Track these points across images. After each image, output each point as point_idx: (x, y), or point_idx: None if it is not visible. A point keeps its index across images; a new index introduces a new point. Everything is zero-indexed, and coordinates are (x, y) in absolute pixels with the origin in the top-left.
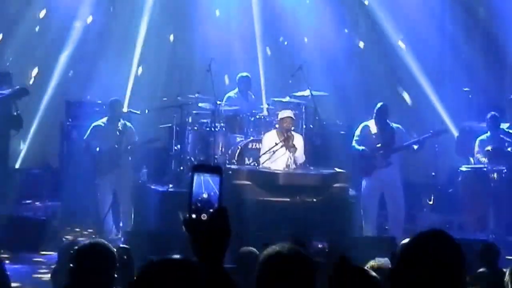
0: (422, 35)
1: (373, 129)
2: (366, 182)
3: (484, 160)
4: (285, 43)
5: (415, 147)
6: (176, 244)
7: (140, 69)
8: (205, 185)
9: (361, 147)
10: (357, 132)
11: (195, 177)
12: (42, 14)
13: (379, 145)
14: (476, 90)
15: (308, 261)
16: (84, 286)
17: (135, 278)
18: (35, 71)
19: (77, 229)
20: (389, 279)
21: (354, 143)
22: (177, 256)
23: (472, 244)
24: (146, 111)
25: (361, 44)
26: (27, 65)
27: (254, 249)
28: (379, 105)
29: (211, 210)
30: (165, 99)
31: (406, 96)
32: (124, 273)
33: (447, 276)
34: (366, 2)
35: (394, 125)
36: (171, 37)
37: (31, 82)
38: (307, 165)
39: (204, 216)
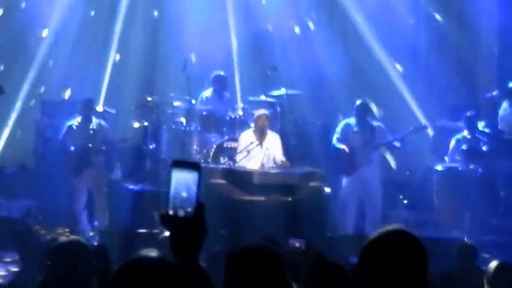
0: (396, 31)
1: (354, 127)
2: (346, 180)
3: (458, 158)
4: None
5: (397, 144)
6: (150, 242)
7: (115, 68)
8: (183, 182)
9: (341, 146)
10: (338, 129)
11: (173, 173)
12: (15, 12)
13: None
14: (451, 89)
15: (276, 256)
16: (60, 282)
17: (112, 277)
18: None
19: (52, 228)
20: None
21: (334, 141)
22: (153, 254)
23: (447, 243)
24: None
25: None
26: (4, 64)
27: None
28: (358, 102)
29: (188, 209)
30: (141, 98)
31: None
32: (101, 271)
33: (407, 273)
34: (344, 6)
35: (375, 123)
36: (146, 36)
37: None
38: (289, 164)
39: (181, 213)
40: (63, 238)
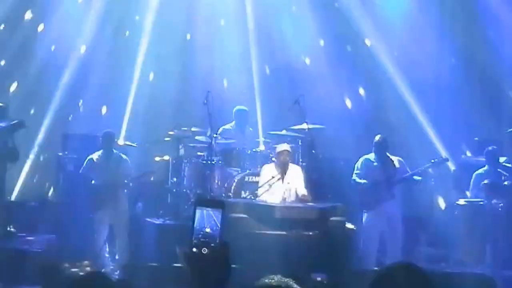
0: (419, 67)
1: (374, 162)
2: (368, 215)
3: (480, 193)
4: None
5: (418, 178)
6: (171, 277)
7: (137, 102)
8: (207, 219)
9: (363, 181)
10: (358, 165)
11: (197, 211)
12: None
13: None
14: (474, 124)
15: None
16: None
17: None
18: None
19: (73, 262)
20: None
21: (354, 177)
22: None
23: (469, 278)
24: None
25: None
26: (25, 98)
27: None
28: (377, 137)
29: (212, 245)
30: (163, 132)
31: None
32: None
33: None
34: (367, 41)
35: (394, 157)
36: (168, 71)
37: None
38: (311, 198)
39: (205, 250)
40: (86, 271)
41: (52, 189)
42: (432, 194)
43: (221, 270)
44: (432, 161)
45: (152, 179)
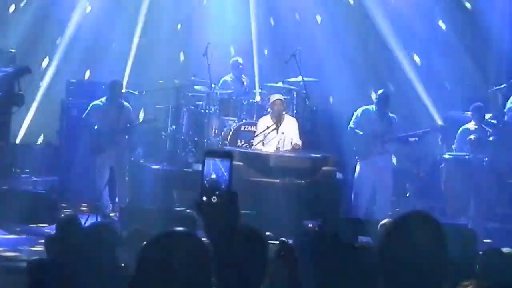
0: (408, 25)
1: (374, 114)
2: (361, 166)
3: (465, 148)
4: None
5: (412, 139)
6: (168, 219)
7: (139, 50)
8: (214, 168)
9: (360, 132)
10: (357, 114)
11: (206, 161)
12: None
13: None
14: (461, 81)
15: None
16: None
17: (143, 247)
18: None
19: (74, 204)
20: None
21: (352, 125)
22: (180, 229)
23: (452, 229)
24: (144, 92)
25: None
26: (31, 45)
27: None
28: (381, 92)
29: (218, 191)
30: (162, 81)
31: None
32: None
33: (429, 254)
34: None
35: (390, 114)
36: (170, 21)
37: (34, 61)
38: (304, 147)
39: (214, 199)
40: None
41: (55, 133)
42: (420, 148)
43: (230, 217)
44: (429, 128)
45: (152, 125)
